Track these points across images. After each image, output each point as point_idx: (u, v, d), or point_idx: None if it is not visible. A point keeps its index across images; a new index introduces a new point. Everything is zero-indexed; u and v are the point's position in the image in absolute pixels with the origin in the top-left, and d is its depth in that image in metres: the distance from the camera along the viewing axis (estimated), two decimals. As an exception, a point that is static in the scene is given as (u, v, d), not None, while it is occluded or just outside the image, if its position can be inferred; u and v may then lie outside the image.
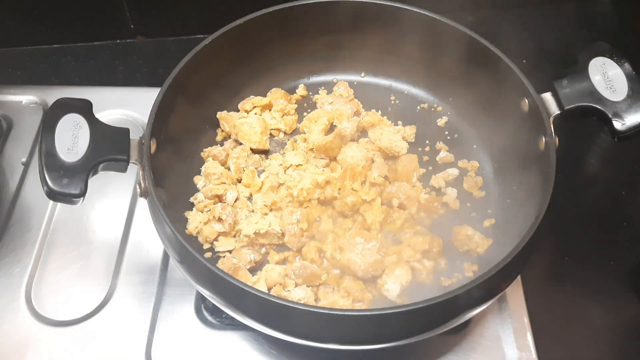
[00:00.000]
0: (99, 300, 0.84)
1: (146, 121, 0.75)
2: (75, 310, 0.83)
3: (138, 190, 0.73)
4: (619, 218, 0.95)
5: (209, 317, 0.82)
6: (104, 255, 0.88)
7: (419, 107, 0.96)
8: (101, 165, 0.70)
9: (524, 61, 1.08)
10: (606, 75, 0.79)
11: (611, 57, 0.80)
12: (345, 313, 0.64)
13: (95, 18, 1.13)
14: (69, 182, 0.67)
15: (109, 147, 0.71)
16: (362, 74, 0.99)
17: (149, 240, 0.88)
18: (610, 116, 0.77)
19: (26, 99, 1.05)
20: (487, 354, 0.79)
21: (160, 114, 0.76)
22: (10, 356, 0.80)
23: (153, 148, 0.74)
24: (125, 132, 0.73)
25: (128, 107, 1.03)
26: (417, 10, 0.88)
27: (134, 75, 1.13)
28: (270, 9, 0.88)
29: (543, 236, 0.70)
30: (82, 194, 0.68)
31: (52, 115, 0.71)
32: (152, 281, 0.85)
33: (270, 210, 0.83)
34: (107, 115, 1.01)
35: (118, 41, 1.17)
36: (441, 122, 0.94)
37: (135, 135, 0.73)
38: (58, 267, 0.87)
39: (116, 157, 0.71)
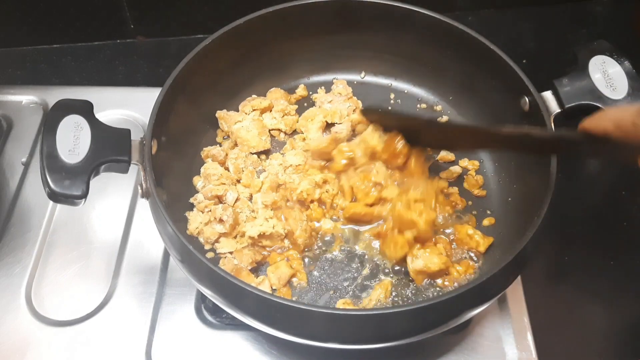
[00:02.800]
0: (99, 300, 0.84)
1: (146, 121, 0.75)
2: (75, 310, 0.83)
3: (139, 191, 0.73)
4: (619, 218, 0.95)
5: (209, 317, 0.82)
6: (104, 255, 0.88)
7: (419, 106, 0.96)
8: (102, 167, 0.70)
9: (524, 61, 1.08)
10: (606, 74, 0.79)
11: (611, 56, 0.80)
12: (347, 313, 0.64)
13: (95, 18, 1.13)
14: (70, 183, 0.67)
15: (110, 148, 0.71)
16: (362, 74, 0.99)
17: (149, 241, 0.88)
18: None
19: (26, 99, 1.05)
20: (487, 354, 0.79)
21: (161, 115, 0.76)
22: (10, 356, 0.80)
23: (154, 149, 0.74)
24: (126, 133, 0.72)
25: (128, 107, 1.03)
26: (417, 9, 0.88)
27: (134, 75, 1.13)
28: (270, 9, 0.87)
29: (543, 236, 0.69)
30: (84, 195, 0.67)
31: (53, 117, 0.71)
32: (152, 281, 0.85)
33: (271, 210, 0.83)
34: (107, 115, 1.01)
35: (118, 41, 1.17)
36: (442, 121, 0.94)
37: (135, 136, 0.73)
38: (58, 267, 0.87)
39: (117, 158, 0.71)
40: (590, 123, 0.60)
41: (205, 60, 0.84)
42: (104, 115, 1.01)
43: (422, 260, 0.76)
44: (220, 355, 0.80)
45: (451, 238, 0.82)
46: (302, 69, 0.98)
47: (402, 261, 0.79)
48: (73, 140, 0.69)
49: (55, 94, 1.05)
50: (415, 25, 0.89)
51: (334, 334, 0.67)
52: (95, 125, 0.71)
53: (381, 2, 0.89)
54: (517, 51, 1.12)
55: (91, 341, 0.81)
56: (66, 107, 0.71)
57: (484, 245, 0.80)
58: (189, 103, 0.85)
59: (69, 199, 0.68)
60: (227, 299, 0.68)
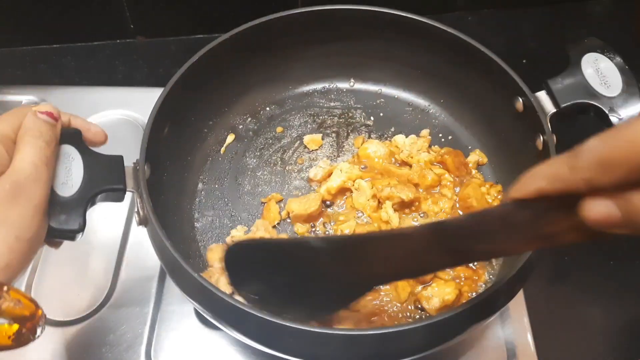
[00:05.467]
0: (99, 300, 0.84)
1: (146, 121, 0.74)
2: (75, 310, 0.83)
3: (136, 219, 0.69)
4: (619, 218, 0.94)
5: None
6: (104, 255, 0.88)
7: (410, 110, 0.96)
8: (98, 197, 0.66)
9: (524, 61, 1.08)
10: (599, 71, 0.78)
11: (603, 52, 0.79)
12: (350, 333, 0.62)
13: (95, 18, 1.13)
14: (67, 218, 0.63)
15: (104, 177, 0.66)
16: (352, 82, 0.98)
17: (148, 241, 0.88)
18: (607, 112, 0.77)
19: (26, 99, 1.05)
20: (487, 354, 0.79)
21: (153, 137, 0.73)
22: (10, 356, 0.79)
23: (148, 172, 0.71)
24: (119, 159, 0.69)
25: (128, 107, 1.03)
26: (403, 14, 0.86)
27: (134, 75, 1.13)
28: (256, 22, 0.85)
29: (545, 250, 0.69)
30: (82, 228, 0.63)
31: None
32: (152, 281, 0.85)
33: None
34: (107, 115, 1.01)
35: (118, 41, 1.17)
36: (434, 124, 0.94)
37: (133, 137, 0.73)
38: (58, 267, 0.87)
39: (113, 187, 0.67)
40: (518, 188, 0.46)
41: (189, 83, 0.81)
42: (103, 115, 1.02)
43: (436, 298, 0.75)
44: (220, 356, 0.80)
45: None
46: (289, 79, 0.96)
47: (411, 300, 0.77)
48: (65, 172, 0.65)
49: (55, 94, 1.05)
50: (402, 30, 0.88)
51: (335, 354, 0.64)
52: (87, 154, 0.67)
53: (365, 8, 0.87)
54: (517, 51, 1.13)
55: (91, 341, 0.81)
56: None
57: None
58: (178, 124, 0.83)
59: (66, 234, 0.63)
60: (212, 311, 0.66)
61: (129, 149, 0.72)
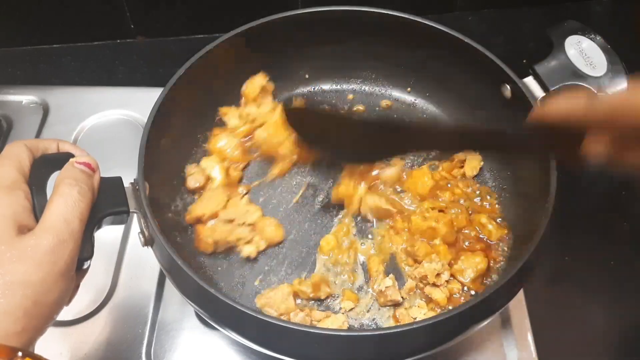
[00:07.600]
0: (99, 300, 0.84)
1: (145, 121, 0.74)
2: (75, 310, 0.83)
3: (141, 239, 0.68)
4: (619, 218, 0.95)
5: (209, 317, 0.82)
6: (104, 255, 0.88)
7: (397, 106, 0.96)
8: (103, 221, 0.64)
9: (524, 60, 1.08)
10: (583, 52, 0.79)
11: (584, 34, 0.80)
12: (349, 334, 0.62)
13: (95, 18, 1.13)
14: None
15: (106, 200, 0.64)
16: (335, 83, 0.98)
17: (149, 240, 0.88)
18: (595, 92, 0.77)
19: (26, 99, 1.05)
20: (487, 354, 0.79)
21: (149, 155, 0.72)
22: None
23: (147, 190, 0.69)
24: (118, 181, 0.66)
25: (128, 107, 1.03)
26: (380, 11, 0.86)
27: (134, 75, 1.13)
28: (231, 33, 0.84)
29: (545, 246, 0.69)
30: (90, 256, 0.61)
31: (39, 175, 0.61)
32: (152, 281, 0.85)
33: None
34: (107, 115, 1.01)
35: (118, 41, 1.17)
36: (422, 118, 0.94)
37: (132, 137, 0.72)
38: (58, 267, 0.87)
39: (116, 210, 0.65)
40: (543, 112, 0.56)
41: (178, 96, 0.80)
42: (103, 115, 1.02)
43: (469, 269, 0.76)
44: (220, 356, 0.80)
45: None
46: (274, 84, 0.94)
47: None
48: None
49: (55, 94, 1.05)
50: (383, 27, 0.87)
51: (333, 356, 0.64)
52: None
53: (342, 8, 0.87)
54: (517, 51, 1.13)
55: (91, 341, 0.81)
56: (50, 163, 0.63)
57: (495, 236, 0.80)
58: (171, 138, 0.81)
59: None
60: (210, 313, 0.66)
61: (129, 149, 0.73)
